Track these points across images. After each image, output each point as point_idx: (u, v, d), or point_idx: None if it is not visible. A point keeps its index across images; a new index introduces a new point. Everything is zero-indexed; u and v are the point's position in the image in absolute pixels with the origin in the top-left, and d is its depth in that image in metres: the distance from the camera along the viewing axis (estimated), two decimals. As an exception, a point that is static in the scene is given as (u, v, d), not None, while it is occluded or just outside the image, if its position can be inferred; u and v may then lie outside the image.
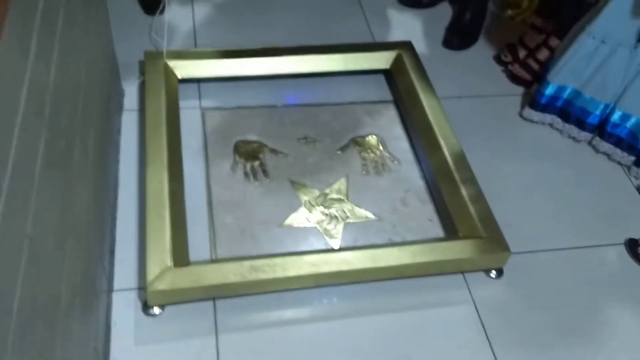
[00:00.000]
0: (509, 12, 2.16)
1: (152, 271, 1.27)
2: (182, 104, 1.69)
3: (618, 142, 1.72)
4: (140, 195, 1.49)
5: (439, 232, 1.52)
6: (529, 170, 1.71)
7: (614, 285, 1.48)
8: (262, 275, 1.30)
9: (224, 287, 1.29)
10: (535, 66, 1.91)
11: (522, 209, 1.60)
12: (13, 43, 0.74)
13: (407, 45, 1.90)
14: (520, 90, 1.93)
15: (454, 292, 1.42)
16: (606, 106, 1.71)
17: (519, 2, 2.13)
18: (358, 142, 1.70)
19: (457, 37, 2.04)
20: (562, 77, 1.73)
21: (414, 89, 1.75)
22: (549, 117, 1.81)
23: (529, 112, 1.81)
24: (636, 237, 1.56)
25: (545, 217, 1.60)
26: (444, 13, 2.17)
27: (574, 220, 1.60)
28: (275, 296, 1.35)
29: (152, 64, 1.71)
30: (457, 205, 1.50)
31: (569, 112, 1.76)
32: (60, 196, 0.93)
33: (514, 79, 1.95)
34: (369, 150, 1.68)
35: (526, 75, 1.92)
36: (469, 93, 1.90)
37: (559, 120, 1.80)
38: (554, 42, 1.87)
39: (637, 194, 1.69)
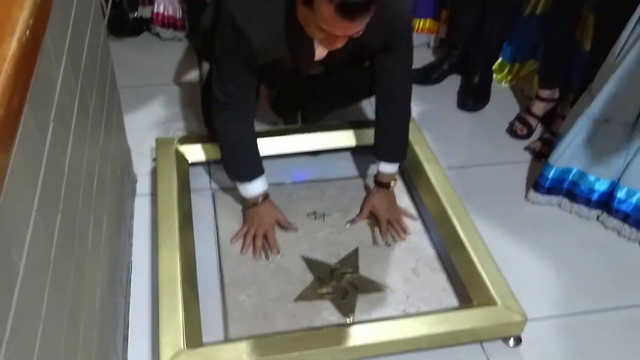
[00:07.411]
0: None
1: (166, 354, 1.26)
2: (193, 185, 1.73)
3: (625, 218, 1.69)
4: (153, 278, 1.50)
5: (453, 301, 1.51)
6: (538, 238, 1.70)
7: (637, 347, 1.43)
8: (276, 354, 1.28)
9: (238, 367, 1.27)
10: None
11: (535, 275, 1.59)
12: (32, 131, 0.79)
13: (408, 119, 1.94)
14: (526, 157, 1.96)
15: (472, 362, 1.39)
16: (611, 183, 1.70)
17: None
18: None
19: (471, 99, 2.18)
20: (565, 160, 1.72)
21: (418, 160, 1.79)
22: (555, 199, 1.79)
23: (535, 196, 1.79)
24: (655, 297, 1.53)
25: (559, 282, 1.58)
26: (450, 86, 2.27)
27: (589, 284, 1.58)
28: (290, 374, 1.32)
29: (163, 149, 1.77)
30: (469, 273, 1.49)
31: (576, 192, 1.75)
32: (74, 281, 0.95)
33: (537, 155, 1.94)
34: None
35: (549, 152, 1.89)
36: (475, 162, 1.94)
37: (566, 201, 1.78)
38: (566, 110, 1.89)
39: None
